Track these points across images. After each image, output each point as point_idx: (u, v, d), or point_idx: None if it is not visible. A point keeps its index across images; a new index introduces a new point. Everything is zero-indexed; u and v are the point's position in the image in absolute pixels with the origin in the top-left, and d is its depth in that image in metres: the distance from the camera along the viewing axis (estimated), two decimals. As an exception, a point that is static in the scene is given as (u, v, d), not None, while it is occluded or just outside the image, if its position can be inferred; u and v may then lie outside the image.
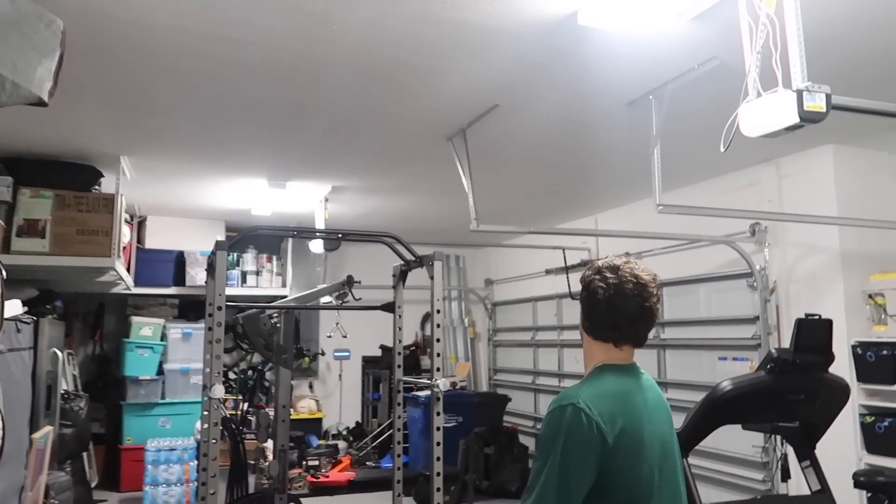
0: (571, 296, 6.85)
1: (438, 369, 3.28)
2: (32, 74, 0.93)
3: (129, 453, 6.80)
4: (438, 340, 3.33)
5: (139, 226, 7.11)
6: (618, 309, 1.74)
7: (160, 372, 7.03)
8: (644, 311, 1.75)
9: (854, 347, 4.34)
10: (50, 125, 4.28)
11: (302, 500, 5.01)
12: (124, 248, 5.80)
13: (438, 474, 3.18)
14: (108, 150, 4.82)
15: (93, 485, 6.54)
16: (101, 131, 4.43)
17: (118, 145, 4.75)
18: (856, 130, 4.30)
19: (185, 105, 3.94)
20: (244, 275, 7.71)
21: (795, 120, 2.18)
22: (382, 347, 8.49)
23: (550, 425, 1.64)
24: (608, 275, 1.75)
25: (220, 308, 2.88)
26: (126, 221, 5.92)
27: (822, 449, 3.14)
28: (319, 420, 8.31)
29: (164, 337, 7.12)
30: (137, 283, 6.84)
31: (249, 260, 7.76)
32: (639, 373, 1.81)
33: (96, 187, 5.26)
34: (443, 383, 3.20)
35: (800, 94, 2.19)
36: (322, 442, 7.71)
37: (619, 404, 1.67)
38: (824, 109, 2.19)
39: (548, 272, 7.79)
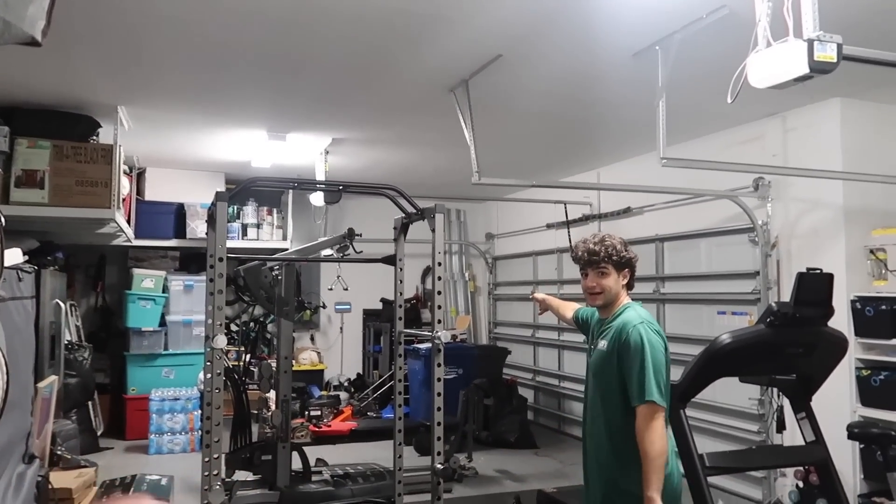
0: (572, 250, 6.85)
1: (439, 321, 3.30)
2: (24, 12, 0.90)
3: (134, 403, 6.91)
4: (439, 293, 3.34)
5: (138, 177, 7.07)
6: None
7: (162, 323, 7.09)
8: None
9: (853, 302, 4.35)
10: (45, 74, 4.21)
11: (304, 448, 5.11)
12: (124, 199, 5.77)
13: (439, 424, 3.22)
14: (106, 99, 4.75)
15: (99, 433, 6.68)
16: (98, 80, 4.36)
17: (115, 95, 4.68)
18: (864, 83, 4.23)
19: (183, 53, 3.86)
20: (244, 227, 7.70)
21: (805, 70, 2.14)
22: (383, 300, 8.54)
23: (639, 339, 2.41)
24: (629, 247, 2.62)
25: (220, 259, 2.88)
26: (125, 173, 5.88)
27: (818, 401, 3.18)
28: (321, 371, 8.42)
29: (165, 289, 7.16)
30: (138, 236, 6.84)
31: (250, 213, 7.74)
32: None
33: (94, 138, 5.21)
34: (443, 335, 3.22)
35: (810, 43, 2.14)
36: (324, 393, 7.83)
37: (656, 323, 2.53)
38: (835, 60, 2.15)
39: (549, 227, 7.78)
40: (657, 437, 2.34)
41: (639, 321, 2.45)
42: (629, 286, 2.63)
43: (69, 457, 4.63)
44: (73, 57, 3.90)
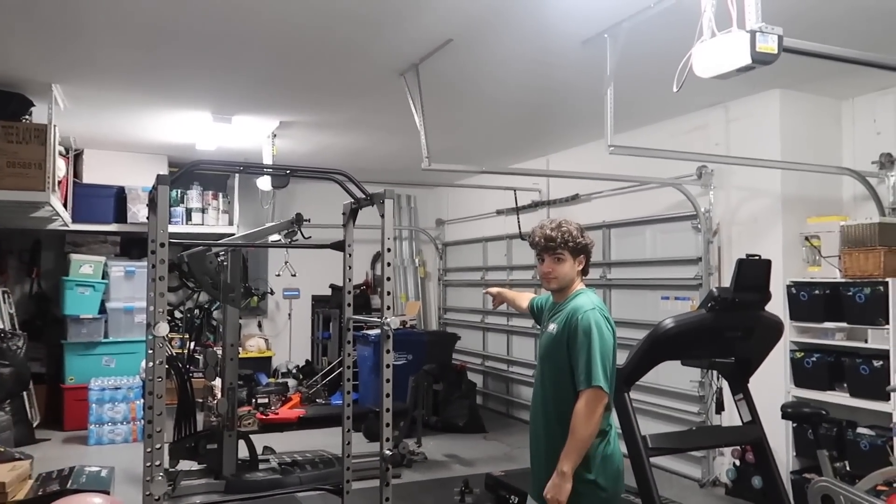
0: (521, 236, 6.91)
1: (388, 308, 3.28)
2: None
3: (72, 392, 6.67)
4: (389, 279, 3.32)
5: (75, 159, 6.79)
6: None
7: (102, 311, 6.86)
8: None
9: (789, 287, 4.52)
10: (-28, 48, 4.00)
11: (251, 436, 5.05)
12: (60, 182, 5.54)
13: (388, 410, 3.22)
14: (38, 76, 4.53)
15: (35, 424, 6.44)
16: (30, 56, 4.16)
17: (49, 72, 4.47)
18: (802, 75, 4.37)
19: (120, 29, 3.71)
20: (189, 212, 7.50)
21: (747, 61, 2.20)
22: (332, 286, 8.46)
23: (588, 324, 2.42)
24: (585, 233, 2.62)
25: (162, 245, 2.79)
26: (61, 154, 5.64)
27: (755, 383, 3.30)
28: (269, 359, 8.31)
29: (105, 275, 6.92)
30: (75, 220, 6.58)
31: (194, 197, 7.54)
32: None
33: (26, 117, 4.97)
34: (393, 321, 3.21)
35: (753, 34, 2.19)
36: (271, 380, 7.72)
37: (606, 309, 2.56)
38: (776, 51, 2.21)
39: (499, 213, 7.82)
40: (593, 423, 2.37)
41: (590, 307, 2.47)
42: (584, 272, 2.64)
43: (2, 449, 4.46)
44: (2, 31, 3.70)
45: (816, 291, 4.39)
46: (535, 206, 7.19)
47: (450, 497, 4.74)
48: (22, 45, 3.96)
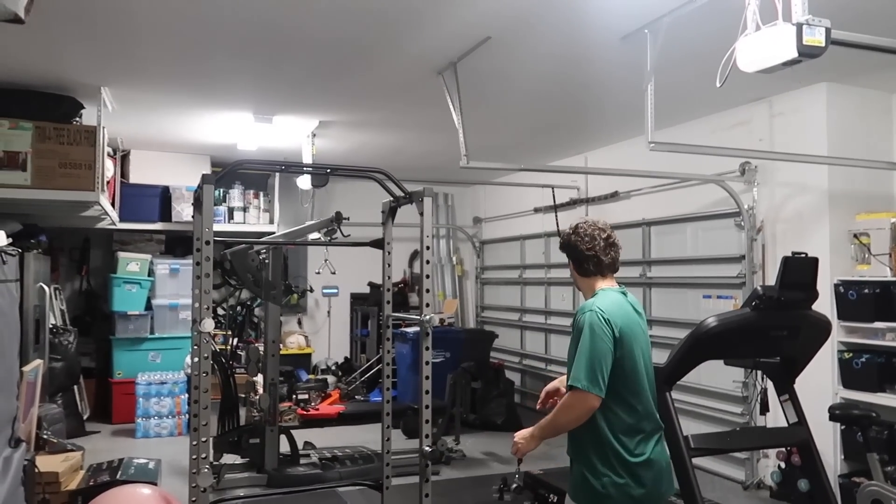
0: (560, 234, 6.87)
1: (427, 305, 3.29)
2: (6, -12, 0.88)
3: (120, 387, 6.87)
4: (427, 277, 3.34)
5: (122, 160, 6.98)
6: (593, 251, 2.48)
7: (148, 307, 7.05)
8: (608, 244, 2.50)
9: (837, 286, 4.40)
10: (27, 53, 4.14)
11: (292, 431, 5.13)
12: (108, 182, 5.70)
13: (427, 407, 3.23)
14: (89, 80, 4.67)
15: (85, 417, 6.65)
16: (80, 60, 4.29)
17: (98, 75, 4.61)
18: (850, 68, 4.24)
19: (168, 32, 3.80)
20: (231, 211, 7.64)
21: (794, 54, 2.15)
22: (371, 284, 8.53)
23: (579, 323, 2.36)
24: (579, 231, 2.52)
25: (207, 242, 2.86)
26: (109, 155, 5.81)
27: (801, 383, 3.23)
28: (308, 355, 8.42)
29: (151, 272, 7.10)
30: (122, 219, 6.77)
31: (236, 196, 7.67)
32: (625, 292, 2.54)
33: (77, 119, 5.13)
34: (432, 319, 3.22)
35: (799, 27, 2.15)
36: (311, 376, 7.82)
37: (618, 310, 2.39)
38: (823, 44, 2.15)
39: (536, 210, 7.79)
40: (567, 418, 2.40)
41: (589, 308, 2.38)
42: (582, 271, 2.53)
43: (55, 441, 4.61)
44: (55, 36, 3.83)
45: (866, 290, 4.26)
46: (573, 203, 7.13)
47: (488, 494, 4.74)
48: (74, 50, 4.09)
